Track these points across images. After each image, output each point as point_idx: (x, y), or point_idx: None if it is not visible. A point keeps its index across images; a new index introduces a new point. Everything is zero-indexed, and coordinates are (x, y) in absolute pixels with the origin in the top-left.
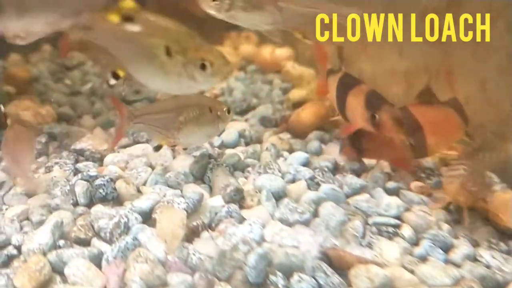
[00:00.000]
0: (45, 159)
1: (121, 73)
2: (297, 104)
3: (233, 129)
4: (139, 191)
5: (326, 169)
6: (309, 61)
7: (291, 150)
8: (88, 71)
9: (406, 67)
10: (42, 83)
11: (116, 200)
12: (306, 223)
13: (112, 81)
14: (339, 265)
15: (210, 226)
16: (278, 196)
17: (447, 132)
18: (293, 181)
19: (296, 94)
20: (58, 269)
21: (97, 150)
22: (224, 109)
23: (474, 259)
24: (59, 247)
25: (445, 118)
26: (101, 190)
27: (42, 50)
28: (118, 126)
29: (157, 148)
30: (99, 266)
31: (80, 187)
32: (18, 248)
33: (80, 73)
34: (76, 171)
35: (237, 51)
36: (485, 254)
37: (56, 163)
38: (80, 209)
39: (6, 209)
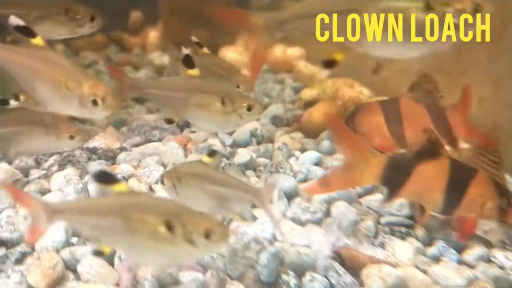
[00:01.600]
0: (58, 157)
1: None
2: (309, 104)
3: (244, 128)
4: (151, 189)
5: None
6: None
7: (303, 150)
8: (101, 70)
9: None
10: None
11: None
12: (318, 223)
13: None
14: (351, 265)
15: None
16: (290, 196)
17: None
18: (305, 180)
19: (307, 93)
20: (71, 267)
21: (110, 148)
22: (244, 104)
23: (488, 260)
24: (72, 244)
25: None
26: None
27: (55, 49)
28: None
29: (169, 121)
30: (111, 263)
31: (93, 186)
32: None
33: (93, 72)
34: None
35: (249, 50)
36: (499, 255)
37: (69, 161)
38: None
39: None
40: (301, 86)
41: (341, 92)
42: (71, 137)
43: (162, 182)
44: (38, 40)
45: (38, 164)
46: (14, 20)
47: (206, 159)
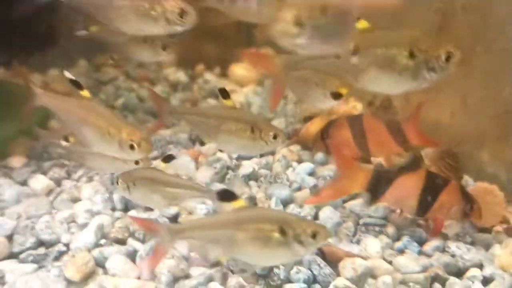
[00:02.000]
0: (86, 169)
1: None
2: (308, 118)
3: None
4: None
5: (328, 177)
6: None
7: (299, 161)
8: (120, 86)
9: None
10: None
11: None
12: None
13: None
14: (331, 259)
15: None
16: (286, 203)
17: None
18: (299, 189)
19: (307, 109)
20: (100, 263)
21: None
22: (271, 133)
23: (443, 250)
24: (101, 245)
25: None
26: None
27: (79, 66)
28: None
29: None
30: (134, 261)
31: (117, 195)
32: (67, 245)
33: (113, 88)
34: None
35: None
36: (452, 246)
37: (96, 173)
38: (117, 214)
39: (56, 213)
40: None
41: (336, 107)
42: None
43: (117, 183)
44: (85, 93)
45: (69, 175)
46: (68, 75)
47: (161, 165)
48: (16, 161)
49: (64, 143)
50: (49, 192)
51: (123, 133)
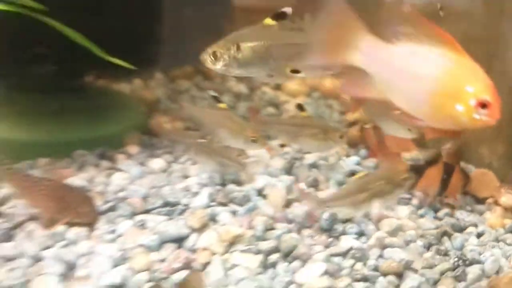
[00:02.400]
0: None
1: None
2: (352, 124)
3: None
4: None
5: (372, 168)
6: None
7: (347, 155)
8: (195, 95)
9: None
10: (163, 104)
11: (241, 182)
12: None
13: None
14: (374, 219)
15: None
16: (340, 184)
17: None
18: (350, 175)
19: (351, 116)
20: (212, 218)
21: None
22: (338, 135)
23: (450, 215)
24: (211, 206)
25: None
26: (231, 176)
27: (156, 78)
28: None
29: (282, 145)
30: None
31: (217, 174)
32: (186, 205)
33: (189, 96)
34: None
35: (305, 81)
36: (457, 212)
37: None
38: (218, 187)
39: (173, 184)
40: (343, 110)
41: None
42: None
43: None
44: (223, 105)
45: (175, 159)
46: (212, 92)
47: (269, 21)
48: (132, 150)
49: (201, 140)
50: (163, 171)
51: (247, 132)
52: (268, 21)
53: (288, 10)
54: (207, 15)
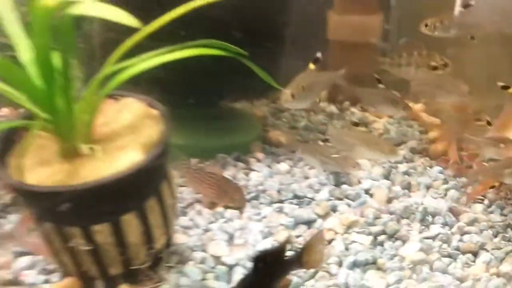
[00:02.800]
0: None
1: None
2: (432, 141)
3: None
4: None
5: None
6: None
7: (431, 166)
8: (295, 113)
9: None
10: (270, 120)
11: (351, 183)
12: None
13: None
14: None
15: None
16: (428, 187)
17: None
18: (435, 180)
19: (431, 134)
20: (333, 209)
21: None
22: (387, 148)
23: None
24: (331, 199)
25: None
26: (343, 179)
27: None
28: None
29: None
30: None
31: (332, 175)
32: (311, 199)
33: (289, 114)
34: None
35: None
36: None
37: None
38: (331, 187)
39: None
40: (423, 130)
41: None
42: None
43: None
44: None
45: (295, 164)
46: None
47: (311, 66)
48: (259, 155)
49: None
50: (288, 172)
51: (385, 147)
52: (311, 66)
53: (319, 55)
54: (304, 46)
